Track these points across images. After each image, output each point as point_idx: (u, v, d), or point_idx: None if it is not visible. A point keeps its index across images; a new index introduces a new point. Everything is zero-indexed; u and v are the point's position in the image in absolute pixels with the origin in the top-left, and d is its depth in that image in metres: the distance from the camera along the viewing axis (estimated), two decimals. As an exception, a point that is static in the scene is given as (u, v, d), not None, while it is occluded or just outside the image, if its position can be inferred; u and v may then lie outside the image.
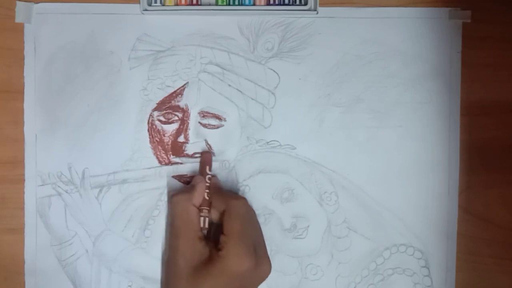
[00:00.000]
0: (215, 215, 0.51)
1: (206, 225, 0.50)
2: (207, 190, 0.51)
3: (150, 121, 0.54)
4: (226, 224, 0.49)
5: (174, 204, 0.50)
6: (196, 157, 0.54)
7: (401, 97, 0.54)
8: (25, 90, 0.54)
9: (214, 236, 0.51)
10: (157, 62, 0.54)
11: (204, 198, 0.51)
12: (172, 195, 0.51)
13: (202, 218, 0.50)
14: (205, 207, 0.51)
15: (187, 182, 0.54)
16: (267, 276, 0.49)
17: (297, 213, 0.54)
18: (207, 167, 0.53)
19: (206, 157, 0.53)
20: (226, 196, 0.51)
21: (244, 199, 0.51)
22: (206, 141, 0.54)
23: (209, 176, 0.52)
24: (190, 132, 0.54)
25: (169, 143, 0.54)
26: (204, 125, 0.54)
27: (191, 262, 0.47)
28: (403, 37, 0.54)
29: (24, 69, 0.54)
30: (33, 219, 0.54)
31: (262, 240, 0.51)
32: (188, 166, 0.54)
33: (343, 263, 0.54)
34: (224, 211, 0.49)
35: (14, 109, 0.54)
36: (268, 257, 0.50)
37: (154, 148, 0.54)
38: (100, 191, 0.54)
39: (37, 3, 0.54)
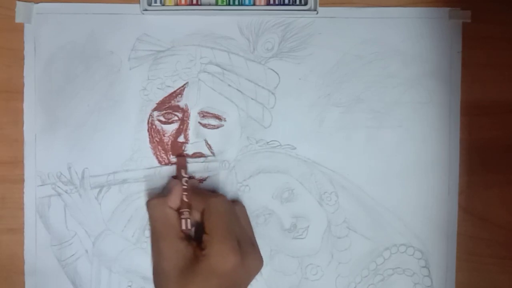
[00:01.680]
0: (196, 216, 0.50)
1: (189, 226, 0.50)
2: (185, 193, 0.51)
3: (150, 121, 0.54)
4: (207, 223, 0.48)
5: (151, 208, 0.50)
6: (197, 157, 0.54)
7: (401, 97, 0.54)
8: (25, 90, 0.54)
9: (197, 236, 0.50)
10: (157, 62, 0.54)
11: (182, 200, 0.50)
12: (148, 200, 0.51)
13: (183, 221, 0.50)
14: (185, 209, 0.50)
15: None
16: (258, 270, 0.49)
17: (297, 213, 0.54)
18: (183, 170, 0.52)
19: (180, 160, 0.53)
20: (205, 195, 0.51)
21: (223, 196, 0.51)
22: (206, 141, 0.54)
23: (186, 178, 0.52)
24: (190, 132, 0.54)
25: (169, 143, 0.54)
26: (204, 125, 0.54)
27: (175, 263, 0.47)
28: (403, 37, 0.54)
29: (24, 69, 0.54)
30: (33, 219, 0.54)
31: (249, 234, 0.51)
32: (188, 166, 0.54)
33: (343, 263, 0.54)
34: (204, 210, 0.49)
35: (14, 109, 0.54)
36: (257, 251, 0.49)
37: (154, 148, 0.54)
38: (100, 191, 0.54)
39: (37, 3, 0.54)
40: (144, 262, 0.54)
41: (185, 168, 0.53)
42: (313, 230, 0.54)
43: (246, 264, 0.47)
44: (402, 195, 0.54)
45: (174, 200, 0.50)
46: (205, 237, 0.48)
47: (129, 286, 0.54)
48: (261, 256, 0.49)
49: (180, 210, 0.50)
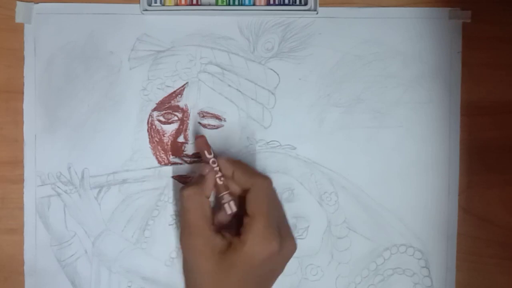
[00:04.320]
0: (235, 190, 0.48)
1: (234, 209, 0.48)
2: (219, 174, 0.48)
3: (150, 121, 0.54)
4: (251, 205, 0.46)
5: (186, 199, 0.47)
6: (197, 157, 0.54)
7: (401, 97, 0.54)
8: (25, 90, 0.54)
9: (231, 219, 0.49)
10: (157, 62, 0.54)
11: (217, 184, 0.48)
12: (182, 189, 0.48)
13: (226, 205, 0.48)
14: (224, 192, 0.48)
15: (185, 183, 0.54)
16: (292, 254, 0.49)
17: (297, 213, 0.54)
18: (205, 152, 0.49)
19: (199, 142, 0.50)
20: (252, 174, 0.48)
21: (269, 178, 0.48)
22: (206, 141, 0.54)
23: (213, 159, 0.49)
24: (190, 133, 0.54)
25: (169, 143, 0.54)
26: (204, 125, 0.54)
27: (211, 257, 0.46)
28: (403, 37, 0.54)
29: (24, 69, 0.54)
30: (33, 219, 0.54)
31: (285, 218, 0.51)
32: (188, 166, 0.54)
33: (343, 263, 0.54)
34: (248, 189, 0.47)
35: (14, 109, 0.54)
36: (292, 235, 0.49)
37: (153, 148, 0.54)
38: (100, 191, 0.54)
39: (37, 3, 0.54)
40: (144, 262, 0.54)
41: (207, 148, 0.49)
42: (313, 230, 0.54)
43: (283, 250, 0.46)
44: (402, 195, 0.54)
45: (209, 187, 0.48)
46: (246, 219, 0.46)
47: (129, 286, 0.54)
48: (295, 240, 0.49)
49: (220, 195, 0.48)
